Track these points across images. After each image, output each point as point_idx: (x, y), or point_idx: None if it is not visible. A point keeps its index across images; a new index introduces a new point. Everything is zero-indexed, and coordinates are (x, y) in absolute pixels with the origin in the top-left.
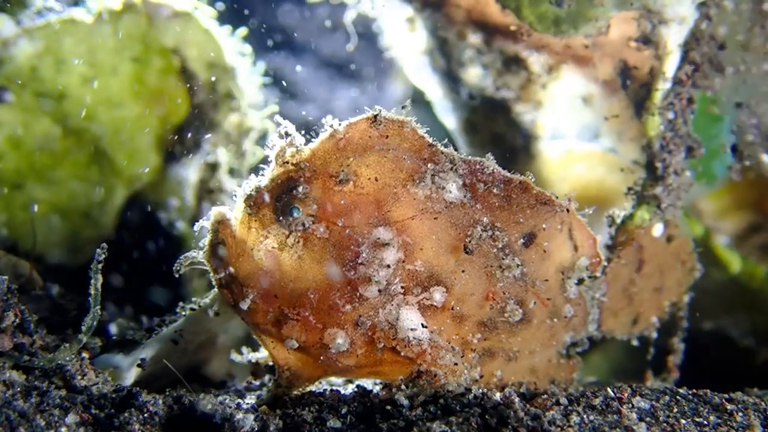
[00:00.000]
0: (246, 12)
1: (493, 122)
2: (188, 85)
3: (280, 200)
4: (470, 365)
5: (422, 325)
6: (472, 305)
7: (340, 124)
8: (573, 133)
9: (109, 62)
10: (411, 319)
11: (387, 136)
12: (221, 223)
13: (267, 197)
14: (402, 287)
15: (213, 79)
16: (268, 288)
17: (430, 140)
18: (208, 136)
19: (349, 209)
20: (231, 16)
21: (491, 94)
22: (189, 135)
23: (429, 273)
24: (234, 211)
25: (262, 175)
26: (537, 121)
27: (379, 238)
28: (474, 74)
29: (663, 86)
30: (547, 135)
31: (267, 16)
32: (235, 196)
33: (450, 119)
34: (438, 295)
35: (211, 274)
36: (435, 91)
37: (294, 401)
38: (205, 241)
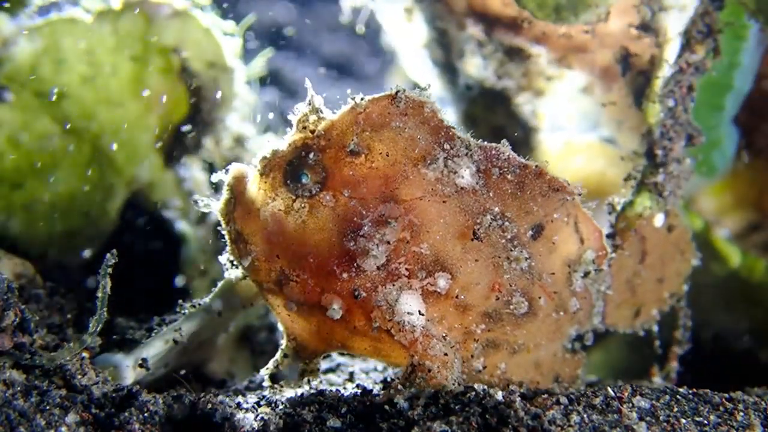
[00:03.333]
0: (245, 12)
1: (493, 114)
2: (188, 85)
3: (291, 165)
4: (472, 355)
5: (419, 312)
6: (477, 295)
7: (362, 99)
8: (573, 124)
9: (108, 61)
10: (409, 304)
11: (406, 115)
12: (237, 180)
13: (280, 160)
14: (407, 269)
15: (213, 78)
16: (271, 248)
17: (449, 124)
18: (208, 135)
19: (357, 181)
20: (230, 16)
21: (491, 84)
22: (189, 135)
23: (434, 257)
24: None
25: (283, 138)
26: (537, 112)
27: (383, 214)
28: (474, 65)
29: (663, 74)
30: (547, 126)
31: (266, 15)
32: (256, 156)
33: (449, 112)
34: (442, 282)
35: (223, 227)
36: (434, 84)
37: (294, 401)
38: (222, 195)
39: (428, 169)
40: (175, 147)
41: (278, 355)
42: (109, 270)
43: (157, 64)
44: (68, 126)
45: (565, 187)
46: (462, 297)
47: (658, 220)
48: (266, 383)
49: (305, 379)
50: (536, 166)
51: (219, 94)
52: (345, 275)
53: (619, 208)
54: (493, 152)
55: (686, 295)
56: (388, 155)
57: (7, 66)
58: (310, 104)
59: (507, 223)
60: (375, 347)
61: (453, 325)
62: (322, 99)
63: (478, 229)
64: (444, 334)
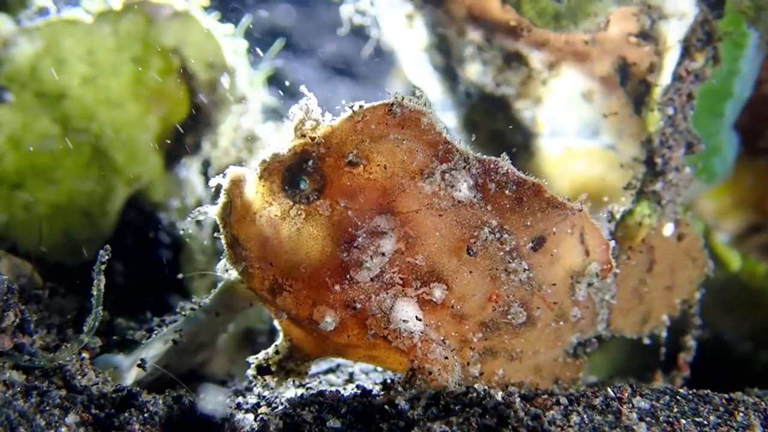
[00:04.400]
0: (246, 12)
1: (493, 120)
2: (188, 85)
3: (290, 170)
4: (469, 362)
5: (416, 317)
6: (473, 305)
7: (361, 107)
8: (573, 130)
9: (109, 62)
10: (405, 311)
11: (403, 127)
12: (234, 183)
13: (280, 165)
14: (401, 278)
15: (213, 79)
16: (265, 254)
17: (447, 137)
18: (208, 136)
19: (354, 192)
20: (231, 17)
21: (491, 90)
22: (189, 135)
23: (430, 268)
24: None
25: (283, 143)
26: (537, 118)
27: (378, 226)
28: (474, 71)
29: (663, 82)
30: (547, 132)
31: (266, 15)
32: (255, 159)
33: (449, 117)
34: (438, 292)
35: (221, 232)
36: (434, 89)
37: (294, 401)
38: (220, 200)
39: (425, 183)
40: (175, 147)
41: (271, 350)
42: (103, 266)
43: (158, 65)
44: (68, 126)
45: (564, 205)
46: (458, 307)
47: (668, 229)
48: (251, 372)
49: (291, 380)
50: (533, 183)
51: (219, 95)
52: (337, 287)
53: (618, 216)
54: (491, 166)
55: (699, 302)
56: (386, 167)
57: (7, 66)
58: (305, 110)
59: (506, 236)
60: (370, 355)
61: (449, 333)
62: (317, 103)
63: (474, 244)
64: (442, 338)
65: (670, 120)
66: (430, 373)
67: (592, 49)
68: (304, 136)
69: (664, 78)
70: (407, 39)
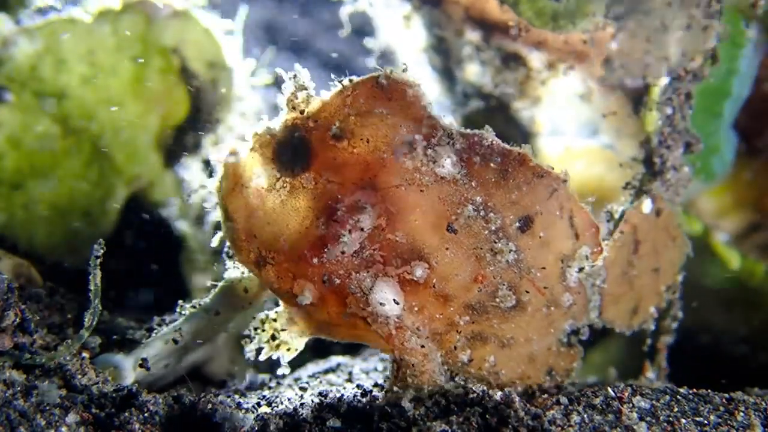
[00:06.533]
0: (245, 11)
1: (492, 120)
2: (188, 85)
3: (280, 143)
4: (456, 346)
5: (394, 301)
6: (457, 286)
7: (351, 80)
8: (572, 130)
9: (108, 62)
10: (384, 293)
11: (390, 99)
12: (231, 157)
13: (271, 138)
14: (381, 256)
15: (213, 78)
16: (250, 226)
17: (431, 112)
18: (208, 135)
19: (338, 166)
20: (230, 16)
21: (490, 91)
22: (189, 135)
23: (410, 246)
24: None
25: (276, 116)
26: (536, 118)
27: (359, 200)
28: (472, 71)
29: (661, 82)
30: (546, 132)
31: (266, 15)
32: (249, 131)
33: (448, 117)
34: (419, 271)
35: (218, 204)
36: (433, 89)
37: (294, 401)
38: (217, 173)
39: (406, 158)
40: (175, 147)
41: (271, 313)
42: (98, 261)
43: (158, 65)
44: (68, 126)
45: (549, 173)
46: (441, 287)
47: (646, 206)
48: (253, 326)
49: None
50: (519, 153)
51: (219, 95)
52: (316, 260)
53: (617, 216)
54: (476, 139)
55: (680, 286)
56: (368, 141)
57: (7, 66)
58: (295, 82)
59: (491, 214)
60: (353, 334)
61: (434, 314)
62: (308, 75)
63: (455, 220)
64: (418, 326)
65: (669, 119)
66: (413, 365)
67: (590, 49)
68: (295, 109)
69: (663, 78)
70: (405, 39)
